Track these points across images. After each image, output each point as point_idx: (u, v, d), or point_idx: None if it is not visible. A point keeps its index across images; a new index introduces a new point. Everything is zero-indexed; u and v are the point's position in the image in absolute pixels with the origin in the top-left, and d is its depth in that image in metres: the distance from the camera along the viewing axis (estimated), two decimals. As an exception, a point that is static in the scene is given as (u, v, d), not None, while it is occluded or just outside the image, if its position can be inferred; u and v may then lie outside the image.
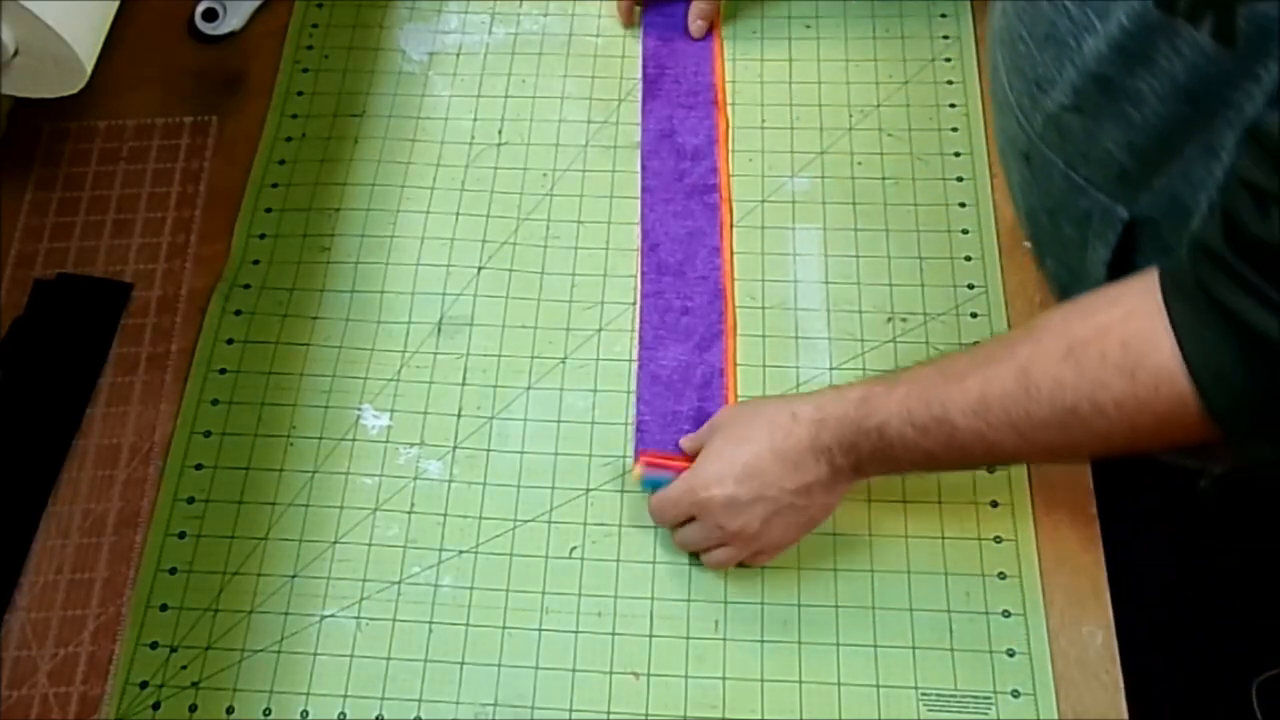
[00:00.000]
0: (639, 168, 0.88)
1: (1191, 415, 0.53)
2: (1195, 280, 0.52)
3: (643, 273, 0.83)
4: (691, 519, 0.70)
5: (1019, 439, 0.59)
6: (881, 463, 0.65)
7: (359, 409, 0.79)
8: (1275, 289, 0.49)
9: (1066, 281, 0.73)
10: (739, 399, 0.78)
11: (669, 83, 0.92)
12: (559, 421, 0.78)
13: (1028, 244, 0.80)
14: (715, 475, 0.67)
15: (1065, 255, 0.71)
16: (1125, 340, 0.54)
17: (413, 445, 0.77)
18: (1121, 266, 0.65)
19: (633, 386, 0.79)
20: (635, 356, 0.80)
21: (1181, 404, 0.53)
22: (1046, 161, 0.68)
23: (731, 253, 0.84)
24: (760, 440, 0.67)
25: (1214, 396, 0.52)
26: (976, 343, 0.77)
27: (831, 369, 0.78)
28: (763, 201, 0.86)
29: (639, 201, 0.86)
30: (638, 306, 0.82)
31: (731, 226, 0.85)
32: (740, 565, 0.71)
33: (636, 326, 0.81)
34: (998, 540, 0.73)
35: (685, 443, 0.74)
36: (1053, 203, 0.70)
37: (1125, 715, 0.67)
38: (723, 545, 0.69)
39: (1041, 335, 0.58)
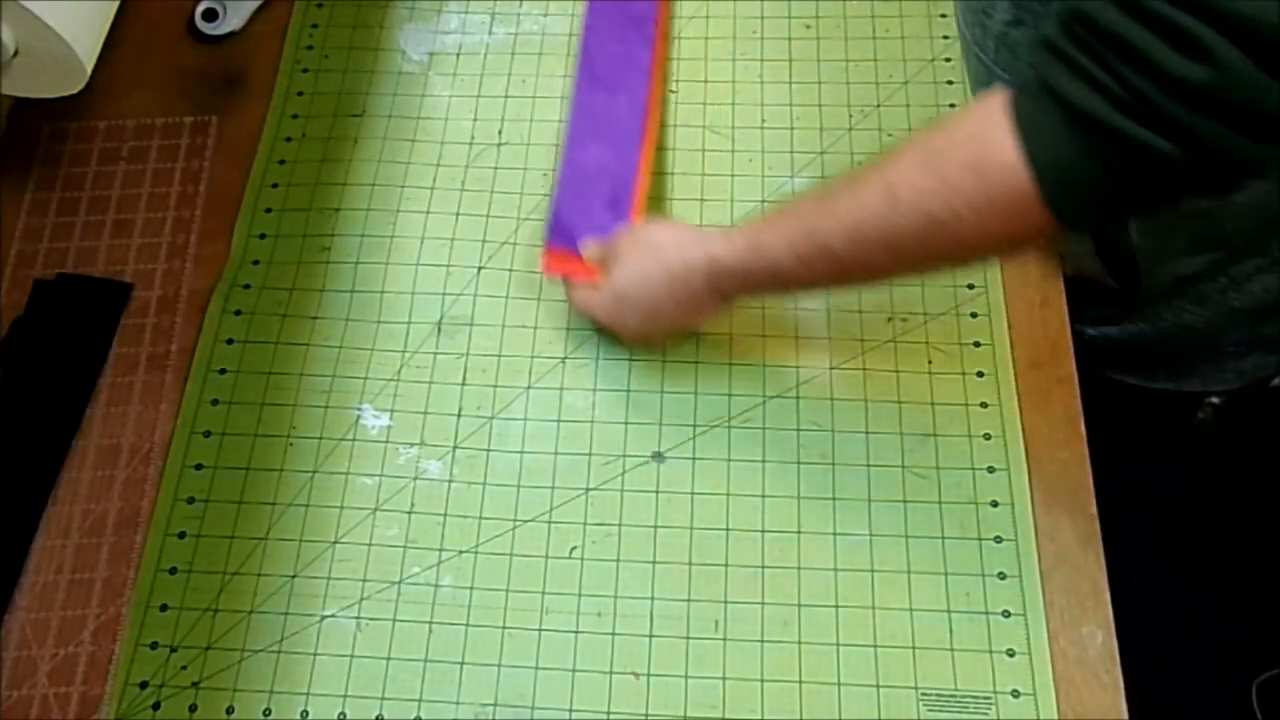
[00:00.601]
0: None
1: (1032, 207, 0.54)
2: (1037, 76, 0.54)
3: (576, 85, 0.89)
4: None
5: (891, 256, 0.61)
6: (773, 290, 0.73)
7: (359, 409, 0.79)
8: (1099, 68, 0.51)
9: None
10: (646, 208, 0.83)
11: None
12: (559, 421, 0.78)
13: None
14: (616, 310, 0.76)
15: None
16: (976, 144, 0.56)
17: (413, 445, 0.78)
18: None
19: (631, 385, 0.79)
20: (559, 158, 0.85)
21: (1024, 196, 0.54)
22: (1003, 85, 0.69)
23: (661, 77, 0.90)
24: (658, 286, 0.73)
25: (1048, 182, 0.53)
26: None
27: (831, 369, 0.78)
28: (763, 202, 0.86)
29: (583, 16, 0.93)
30: (567, 115, 0.88)
31: (665, 57, 0.91)
32: None
33: (564, 132, 0.87)
34: (998, 540, 0.73)
35: (590, 252, 0.79)
36: None
37: (1125, 715, 0.67)
38: None
39: (904, 151, 0.60)
